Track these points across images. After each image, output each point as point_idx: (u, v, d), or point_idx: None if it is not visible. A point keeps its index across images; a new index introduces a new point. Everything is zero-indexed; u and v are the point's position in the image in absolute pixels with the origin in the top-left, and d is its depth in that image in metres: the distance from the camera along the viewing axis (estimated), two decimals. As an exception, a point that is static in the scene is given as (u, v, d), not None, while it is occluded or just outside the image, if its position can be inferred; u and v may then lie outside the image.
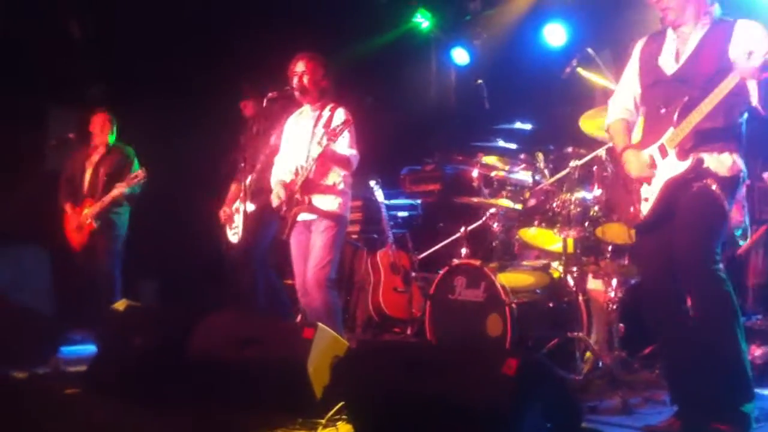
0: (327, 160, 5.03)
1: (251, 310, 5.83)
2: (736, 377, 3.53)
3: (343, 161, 5.11)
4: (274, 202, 5.27)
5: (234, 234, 6.00)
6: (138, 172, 6.74)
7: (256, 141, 6.04)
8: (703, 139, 3.55)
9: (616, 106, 4.00)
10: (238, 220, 5.95)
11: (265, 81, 6.06)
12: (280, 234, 5.26)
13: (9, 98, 7.76)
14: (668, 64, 3.74)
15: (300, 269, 5.18)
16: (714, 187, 3.54)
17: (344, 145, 5.09)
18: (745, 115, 3.65)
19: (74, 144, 7.15)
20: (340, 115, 5.13)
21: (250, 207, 5.90)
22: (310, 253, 5.11)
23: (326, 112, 5.21)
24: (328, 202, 5.13)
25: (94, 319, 6.57)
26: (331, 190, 5.16)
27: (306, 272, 5.11)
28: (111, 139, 7.00)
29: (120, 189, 6.71)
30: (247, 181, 5.93)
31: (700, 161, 3.54)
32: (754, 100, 3.46)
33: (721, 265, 3.55)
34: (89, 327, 6.81)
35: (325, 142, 4.91)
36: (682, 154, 3.56)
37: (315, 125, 5.19)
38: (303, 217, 5.17)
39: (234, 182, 6.24)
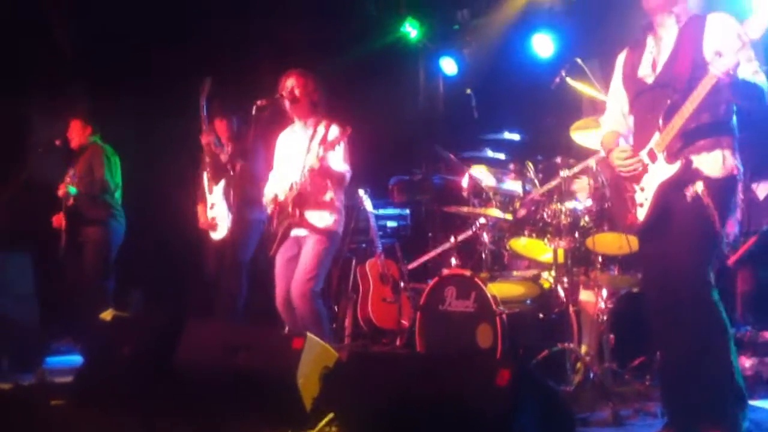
0: (322, 174, 4.99)
1: (233, 317, 5.82)
2: (727, 389, 3.53)
3: (336, 177, 5.08)
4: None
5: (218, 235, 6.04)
6: (69, 171, 6.52)
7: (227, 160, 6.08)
8: (691, 139, 3.56)
9: (608, 119, 4.05)
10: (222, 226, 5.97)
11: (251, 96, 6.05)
12: (267, 250, 5.21)
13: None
14: (647, 73, 3.78)
15: (282, 285, 5.12)
16: (704, 196, 3.51)
17: (338, 159, 5.06)
18: (734, 110, 3.64)
19: (60, 150, 7.07)
20: (335, 131, 5.09)
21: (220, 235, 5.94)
22: (297, 265, 5.06)
23: (321, 129, 5.17)
24: (323, 218, 5.10)
25: (80, 330, 6.52)
26: (327, 205, 5.13)
27: (288, 287, 5.06)
28: (89, 141, 6.88)
29: (61, 190, 6.55)
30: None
31: (689, 162, 3.54)
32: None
33: (711, 279, 3.55)
34: (75, 337, 6.74)
35: (321, 153, 4.88)
36: (671, 157, 3.57)
37: (311, 141, 5.14)
38: (296, 232, 5.13)
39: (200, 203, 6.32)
